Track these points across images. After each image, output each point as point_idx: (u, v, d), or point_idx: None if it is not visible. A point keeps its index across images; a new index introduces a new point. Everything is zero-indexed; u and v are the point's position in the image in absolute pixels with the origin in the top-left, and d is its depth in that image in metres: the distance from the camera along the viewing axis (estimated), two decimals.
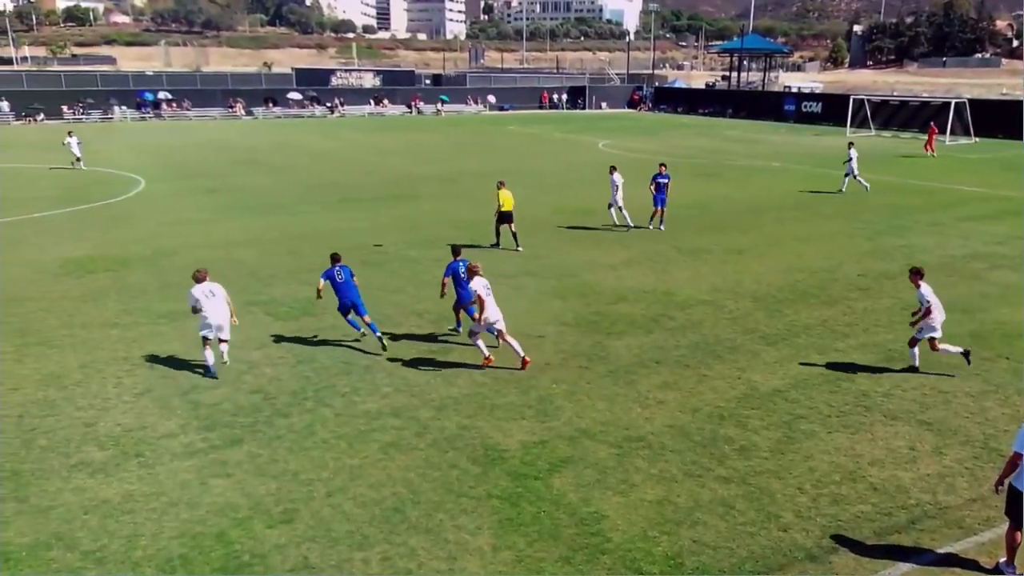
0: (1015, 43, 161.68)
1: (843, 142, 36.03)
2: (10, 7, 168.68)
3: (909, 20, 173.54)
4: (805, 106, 64.08)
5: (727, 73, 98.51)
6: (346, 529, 8.03)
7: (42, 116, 58.28)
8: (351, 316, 12.97)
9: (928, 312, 11.58)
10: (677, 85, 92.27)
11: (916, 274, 11.79)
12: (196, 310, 11.68)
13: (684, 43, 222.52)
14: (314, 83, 75.27)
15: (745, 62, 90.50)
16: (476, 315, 11.91)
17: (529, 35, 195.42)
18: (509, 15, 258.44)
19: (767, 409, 10.78)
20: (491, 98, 77.16)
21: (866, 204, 26.50)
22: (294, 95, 70.03)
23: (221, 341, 11.89)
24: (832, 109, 59.52)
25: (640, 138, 50.87)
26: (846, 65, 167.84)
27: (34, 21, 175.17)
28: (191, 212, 24.99)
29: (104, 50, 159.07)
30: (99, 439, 9.88)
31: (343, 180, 32.04)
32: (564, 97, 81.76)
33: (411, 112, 72.26)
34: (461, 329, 13.54)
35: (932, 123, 42.28)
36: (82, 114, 60.39)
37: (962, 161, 39.38)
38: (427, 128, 58.14)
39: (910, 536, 7.96)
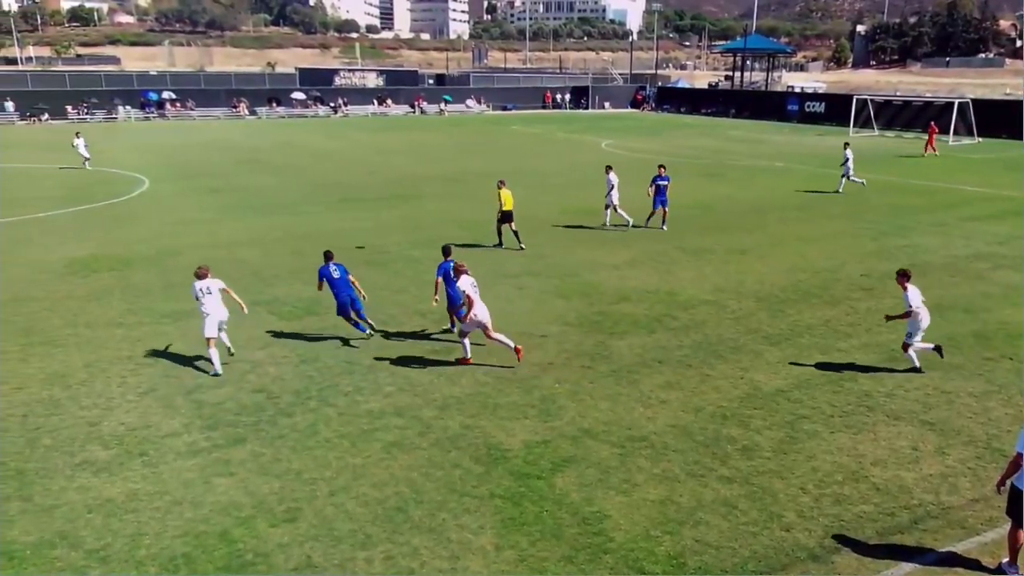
0: (1019, 43, 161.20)
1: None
2: (15, 7, 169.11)
3: (912, 20, 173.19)
4: (808, 106, 63.94)
5: (730, 73, 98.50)
6: (349, 528, 8.05)
7: (47, 116, 58.42)
8: (353, 317, 13.02)
9: (908, 315, 11.62)
10: (680, 85, 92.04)
11: (903, 276, 11.85)
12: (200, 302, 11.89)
13: (687, 43, 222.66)
14: (318, 83, 75.31)
15: (748, 62, 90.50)
16: (465, 315, 11.98)
17: (532, 35, 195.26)
18: (512, 15, 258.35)
19: (770, 409, 10.78)
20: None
21: (869, 204, 26.47)
22: (298, 95, 70.10)
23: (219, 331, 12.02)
24: (835, 109, 59.35)
25: (643, 138, 50.84)
26: (849, 65, 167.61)
27: (39, 21, 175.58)
28: (195, 212, 25.05)
29: (108, 50, 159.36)
30: (103, 438, 9.92)
31: (346, 180, 32.06)
32: (567, 97, 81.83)
33: (414, 112, 72.34)
34: (455, 329, 13.58)
35: (932, 123, 42.24)
36: (86, 114, 60.49)
37: (965, 161, 39.30)
38: (430, 128, 58.17)
39: (913, 536, 7.97)
